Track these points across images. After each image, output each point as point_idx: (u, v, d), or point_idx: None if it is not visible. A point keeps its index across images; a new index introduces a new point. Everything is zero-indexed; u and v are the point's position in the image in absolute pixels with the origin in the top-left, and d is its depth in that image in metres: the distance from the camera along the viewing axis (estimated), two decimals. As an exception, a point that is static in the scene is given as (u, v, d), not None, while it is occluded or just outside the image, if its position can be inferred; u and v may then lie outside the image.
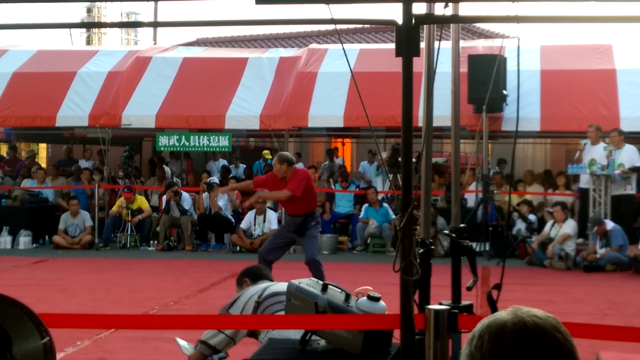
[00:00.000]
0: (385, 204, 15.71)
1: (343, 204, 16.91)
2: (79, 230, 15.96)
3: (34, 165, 19.16)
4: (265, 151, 20.27)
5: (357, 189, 17.24)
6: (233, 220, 15.95)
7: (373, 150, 19.01)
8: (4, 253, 15.08)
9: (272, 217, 15.59)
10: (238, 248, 15.35)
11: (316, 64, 17.29)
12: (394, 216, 15.22)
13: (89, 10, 57.18)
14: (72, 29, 30.92)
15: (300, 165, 15.32)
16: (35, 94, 17.09)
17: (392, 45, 19.91)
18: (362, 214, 15.78)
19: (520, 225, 14.70)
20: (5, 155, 22.46)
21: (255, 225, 15.52)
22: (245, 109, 16.61)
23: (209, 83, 17.18)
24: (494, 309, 4.69)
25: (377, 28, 27.14)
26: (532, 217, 14.82)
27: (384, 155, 17.98)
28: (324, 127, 18.38)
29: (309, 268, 9.59)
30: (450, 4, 4.28)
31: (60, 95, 17.11)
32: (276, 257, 9.71)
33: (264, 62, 17.81)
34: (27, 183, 17.81)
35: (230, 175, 18.56)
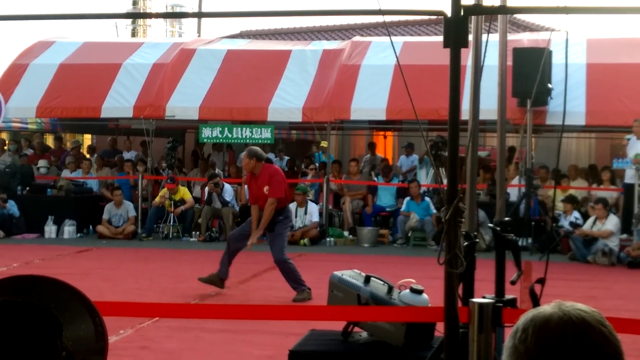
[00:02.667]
0: (427, 198, 15.64)
1: (385, 197, 16.87)
2: (122, 220, 16.12)
3: (79, 156, 19.39)
4: (324, 142, 20.29)
5: (399, 183, 17.19)
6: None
7: (410, 143, 18.94)
8: (49, 242, 15.29)
9: (313, 209, 15.61)
10: (279, 240, 15.38)
11: (359, 56, 17.25)
12: (434, 210, 15.16)
13: (134, 3, 57.70)
14: (117, 21, 31.20)
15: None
16: (81, 86, 17.28)
17: (436, 38, 19.84)
18: (403, 207, 15.74)
19: (563, 221, 14.55)
20: (51, 145, 22.77)
21: (296, 217, 15.55)
22: (288, 101, 16.63)
23: (252, 75, 17.23)
24: (536, 303, 4.66)
25: (422, 20, 27.01)
26: (575, 213, 14.65)
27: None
28: (366, 120, 18.35)
29: (278, 268, 9.54)
30: (498, -5, 4.24)
31: (106, 86, 17.29)
32: (243, 245, 9.68)
33: (307, 54, 17.81)
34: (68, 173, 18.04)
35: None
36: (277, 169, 10.06)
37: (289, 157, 20.27)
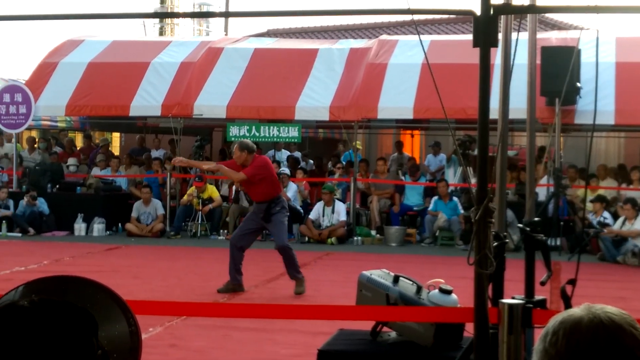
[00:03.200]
0: (454, 198, 15.59)
1: (413, 196, 16.83)
2: (151, 218, 16.22)
3: (108, 154, 19.53)
4: (358, 143, 20.28)
5: (427, 182, 17.15)
6: (302, 211, 16.02)
7: (437, 142, 18.88)
8: (79, 240, 15.42)
9: (340, 208, 15.61)
10: (306, 238, 15.42)
11: (386, 55, 17.22)
12: (462, 210, 15.11)
13: (162, 1, 57.97)
14: (145, 19, 31.33)
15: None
16: (109, 84, 17.40)
17: (464, 37, 19.74)
18: (431, 207, 15.70)
19: (592, 221, 14.43)
20: (80, 144, 22.96)
21: (323, 216, 15.57)
22: (315, 100, 16.65)
23: (279, 74, 17.26)
24: (567, 304, 4.63)
25: (449, 19, 26.91)
26: (605, 212, 14.53)
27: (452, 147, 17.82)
28: (393, 119, 18.32)
29: (281, 255, 9.73)
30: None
31: (134, 85, 17.40)
32: (247, 243, 9.88)
33: (334, 53, 17.81)
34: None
35: (299, 166, 18.64)
36: (264, 160, 10.09)
37: (313, 161, 20.17)
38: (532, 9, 4.73)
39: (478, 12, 3.95)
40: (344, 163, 18.39)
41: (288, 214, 10.10)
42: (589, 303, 1.58)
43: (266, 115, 17.06)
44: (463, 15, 4.45)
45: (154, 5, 60.95)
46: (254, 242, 10.12)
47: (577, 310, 1.55)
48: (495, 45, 3.94)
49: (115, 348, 1.37)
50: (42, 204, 16.18)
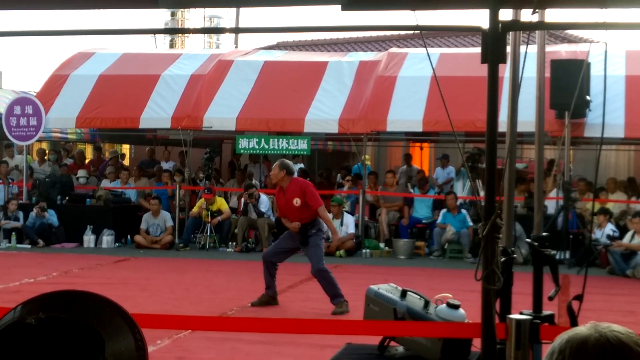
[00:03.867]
0: (463, 210, 15.57)
1: (421, 208, 16.81)
2: (160, 230, 16.24)
3: (117, 166, 19.59)
4: (366, 157, 20.32)
5: (436, 194, 17.13)
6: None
7: (446, 155, 18.89)
8: (88, 251, 15.46)
9: (349, 220, 15.61)
10: (315, 251, 15.39)
11: (396, 68, 17.24)
12: (471, 223, 15.09)
13: (172, 14, 58.22)
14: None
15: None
16: (120, 96, 17.47)
17: (473, 50, 19.70)
18: (440, 219, 15.69)
19: (597, 234, 14.38)
20: (90, 156, 23.02)
21: (332, 228, 15.54)
22: (325, 112, 16.66)
23: (289, 86, 17.29)
24: (573, 320, 4.62)
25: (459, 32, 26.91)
26: (611, 225, 14.46)
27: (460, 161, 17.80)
28: (402, 132, 18.32)
29: (316, 279, 9.56)
30: (537, 10, 4.22)
31: (144, 97, 17.45)
32: (279, 260, 9.78)
33: (344, 66, 17.84)
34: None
35: (308, 179, 18.64)
36: (306, 181, 10.10)
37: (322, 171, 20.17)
38: (540, 25, 4.74)
39: (486, 28, 3.96)
40: (352, 175, 18.39)
41: (324, 235, 9.89)
42: (595, 321, 1.58)
43: (275, 127, 17.08)
44: (471, 32, 4.46)
45: (164, 18, 61.20)
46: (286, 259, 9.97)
47: (584, 329, 1.55)
48: (504, 62, 3.94)
49: None
50: (51, 216, 16.24)
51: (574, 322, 4.50)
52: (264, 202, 16.22)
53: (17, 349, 1.22)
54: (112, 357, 1.32)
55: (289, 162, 10.08)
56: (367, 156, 20.33)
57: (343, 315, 9.03)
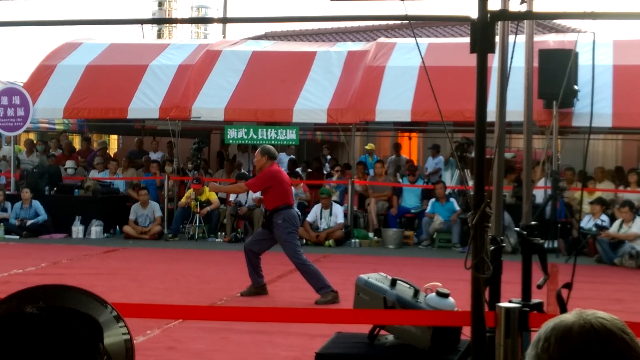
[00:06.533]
0: (452, 199, 15.62)
1: (410, 198, 16.86)
2: (148, 220, 16.23)
3: (105, 156, 19.54)
4: (370, 145, 20.37)
5: (424, 184, 17.18)
6: (299, 213, 16.01)
7: (436, 145, 18.95)
8: (77, 242, 15.44)
9: (338, 211, 15.64)
10: (304, 241, 15.40)
11: (384, 57, 17.25)
12: (458, 207, 15.17)
13: (160, 4, 58.00)
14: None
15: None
16: (107, 87, 17.42)
17: (461, 39, 19.68)
18: (428, 209, 15.73)
19: (590, 223, 14.46)
20: (78, 146, 22.97)
21: (321, 218, 15.59)
22: (313, 102, 16.67)
23: (277, 77, 17.29)
24: (563, 308, 4.66)
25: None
26: (603, 215, 14.54)
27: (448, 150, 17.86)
28: (391, 122, 18.35)
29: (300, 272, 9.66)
30: (525, 0, 4.24)
31: (132, 87, 17.42)
32: (259, 249, 9.80)
33: (332, 56, 17.84)
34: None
35: (297, 168, 18.67)
36: (271, 170, 9.79)
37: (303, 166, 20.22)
38: (529, 15, 4.76)
39: (475, 17, 3.97)
40: (341, 165, 18.43)
41: (293, 229, 9.70)
42: (580, 308, 1.60)
43: (264, 117, 17.08)
44: (460, 22, 4.47)
45: (152, 8, 60.95)
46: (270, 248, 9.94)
47: (569, 316, 1.57)
48: (492, 51, 3.96)
49: (115, 354, 1.39)
50: (39, 210, 16.13)
51: (563, 310, 4.54)
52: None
53: (21, 338, 1.23)
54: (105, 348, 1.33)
55: (270, 147, 10.06)
56: (371, 145, 20.40)
57: (333, 305, 9.06)
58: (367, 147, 20.43)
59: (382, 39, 19.40)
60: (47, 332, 1.24)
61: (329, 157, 21.73)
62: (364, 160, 18.96)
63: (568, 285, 4.60)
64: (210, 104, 16.91)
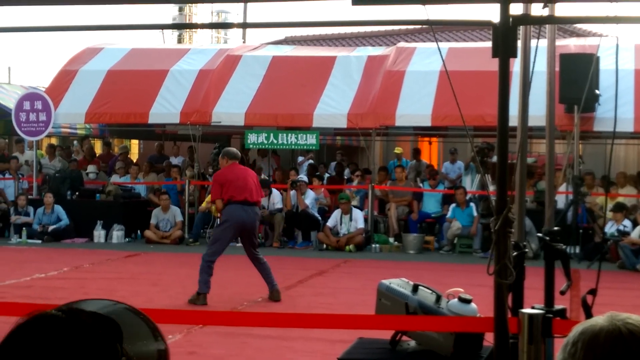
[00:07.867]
0: (472, 204, 15.56)
1: (431, 203, 16.81)
2: (169, 225, 16.27)
3: (127, 161, 19.62)
4: (398, 148, 20.37)
5: (445, 189, 17.12)
6: (320, 218, 16.03)
7: (454, 149, 18.89)
8: (98, 247, 15.50)
9: (358, 216, 15.61)
10: (324, 246, 15.42)
11: (404, 62, 17.23)
12: (475, 213, 15.14)
13: (180, 9, 58.24)
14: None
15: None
16: (128, 92, 17.50)
17: (481, 44, 19.59)
18: (449, 214, 15.69)
19: (612, 228, 14.35)
20: (99, 151, 23.07)
21: (341, 223, 15.57)
22: (333, 107, 16.67)
23: (297, 81, 17.31)
24: (588, 314, 4.62)
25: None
26: (625, 220, 14.42)
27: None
28: (411, 126, 18.32)
29: None
30: (547, 4, 4.22)
31: (153, 92, 17.49)
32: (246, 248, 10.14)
33: (352, 60, 17.84)
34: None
35: (317, 173, 18.67)
36: (218, 172, 10.11)
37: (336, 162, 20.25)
38: (551, 19, 4.74)
39: (497, 22, 3.96)
40: (361, 170, 18.41)
41: (228, 225, 9.98)
42: (614, 312, 1.57)
43: (284, 122, 17.10)
44: (482, 26, 4.46)
45: (172, 14, 61.25)
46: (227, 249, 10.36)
47: (599, 320, 1.55)
48: (515, 56, 3.95)
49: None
50: (61, 214, 16.22)
51: (589, 316, 4.50)
52: (277, 196, 16.28)
53: (44, 338, 1.25)
54: (134, 356, 1.33)
55: (230, 148, 10.32)
56: (400, 149, 20.36)
57: (354, 310, 9.04)
58: (395, 150, 20.40)
59: (402, 44, 19.38)
60: (68, 332, 1.25)
61: (341, 161, 21.67)
62: (394, 165, 18.92)
63: (593, 292, 4.57)
64: (230, 108, 16.95)
